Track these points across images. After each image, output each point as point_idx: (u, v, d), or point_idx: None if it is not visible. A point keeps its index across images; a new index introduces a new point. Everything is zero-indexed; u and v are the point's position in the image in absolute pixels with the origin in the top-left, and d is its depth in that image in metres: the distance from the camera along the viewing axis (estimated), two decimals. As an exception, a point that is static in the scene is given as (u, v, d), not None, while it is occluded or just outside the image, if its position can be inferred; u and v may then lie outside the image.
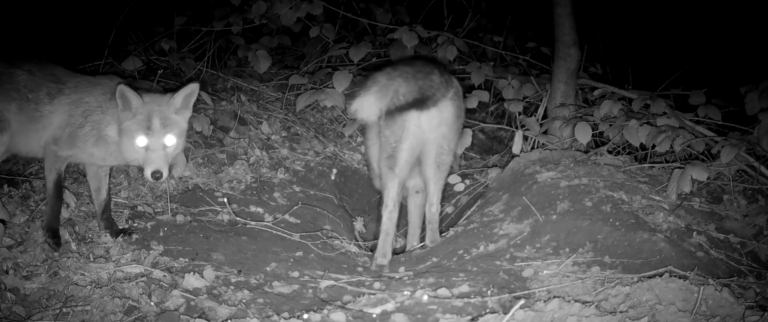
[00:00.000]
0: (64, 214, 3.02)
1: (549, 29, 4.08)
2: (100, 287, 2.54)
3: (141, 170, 2.89)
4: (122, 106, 2.77)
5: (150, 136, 2.77)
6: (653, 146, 3.49)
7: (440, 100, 2.96)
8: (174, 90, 2.93)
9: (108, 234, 3.03)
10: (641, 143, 3.55)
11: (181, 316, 2.40)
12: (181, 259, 2.88)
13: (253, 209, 3.56)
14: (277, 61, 5.21)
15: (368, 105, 2.87)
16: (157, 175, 2.79)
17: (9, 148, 3.01)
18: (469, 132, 3.78)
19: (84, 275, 2.62)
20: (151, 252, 2.88)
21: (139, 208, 3.30)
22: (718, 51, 5.75)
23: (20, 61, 3.00)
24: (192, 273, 2.69)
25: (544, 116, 4.23)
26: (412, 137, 3.01)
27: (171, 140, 2.82)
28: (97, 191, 3.13)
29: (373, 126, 3.25)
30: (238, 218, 3.36)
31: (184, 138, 2.92)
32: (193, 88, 2.88)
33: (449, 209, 4.14)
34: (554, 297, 2.34)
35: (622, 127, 3.62)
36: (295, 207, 3.62)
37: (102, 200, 3.12)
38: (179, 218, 3.28)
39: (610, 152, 3.75)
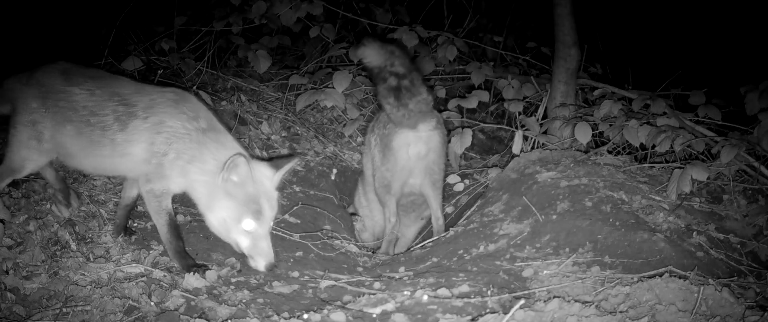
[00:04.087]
0: (64, 214, 3.02)
1: (549, 29, 4.08)
2: (100, 287, 2.54)
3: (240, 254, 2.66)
4: (228, 175, 2.51)
5: (260, 222, 2.55)
6: (653, 146, 3.49)
7: (425, 127, 3.36)
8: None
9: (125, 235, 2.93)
10: (641, 143, 3.55)
11: (181, 316, 2.40)
12: (181, 259, 2.88)
13: (253, 209, 3.56)
14: (277, 61, 5.21)
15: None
16: (270, 267, 2.60)
17: (68, 165, 2.89)
18: (469, 132, 3.78)
19: (84, 275, 2.62)
20: (151, 252, 2.88)
21: (139, 208, 3.30)
22: (718, 51, 5.75)
23: (79, 77, 2.77)
24: (192, 273, 2.69)
25: (544, 116, 4.23)
26: (405, 168, 3.44)
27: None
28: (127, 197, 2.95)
29: (367, 154, 3.70)
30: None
31: None
32: (296, 161, 2.71)
33: (449, 209, 4.14)
34: (554, 297, 2.34)
35: (622, 127, 3.62)
36: (295, 207, 3.62)
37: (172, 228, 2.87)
38: (179, 218, 3.28)
39: (610, 152, 3.75)
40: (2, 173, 2.88)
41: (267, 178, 2.64)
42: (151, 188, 2.69)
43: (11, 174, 2.88)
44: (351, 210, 4.13)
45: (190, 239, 3.07)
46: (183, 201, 3.43)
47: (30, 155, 2.80)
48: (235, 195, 2.53)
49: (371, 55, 3.31)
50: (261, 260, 2.60)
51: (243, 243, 2.61)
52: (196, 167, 2.61)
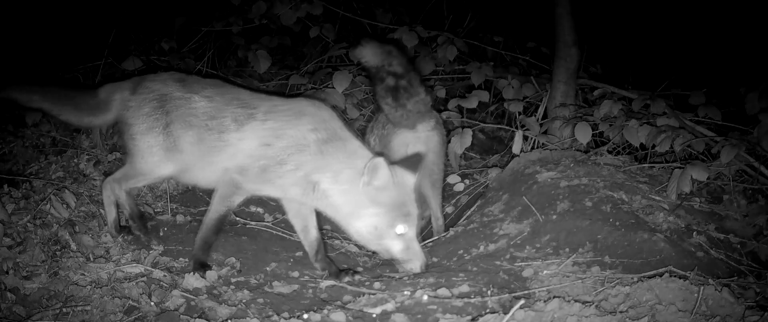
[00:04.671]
0: (64, 214, 3.02)
1: (549, 29, 4.09)
2: (100, 287, 2.54)
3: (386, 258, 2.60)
4: (368, 180, 2.45)
5: (410, 225, 2.48)
6: (653, 146, 3.49)
7: (424, 127, 3.35)
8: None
9: (329, 277, 2.78)
10: (641, 143, 3.55)
11: (181, 316, 2.40)
12: (181, 259, 2.88)
13: (253, 208, 3.56)
14: (277, 61, 5.20)
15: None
16: (425, 267, 2.54)
17: (183, 180, 2.90)
18: (469, 132, 3.78)
19: (84, 275, 2.62)
20: (151, 252, 2.88)
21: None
22: (718, 51, 5.75)
23: (197, 84, 2.80)
24: (192, 273, 2.69)
25: (544, 116, 4.23)
26: None
27: None
28: (304, 230, 2.88)
29: None
30: (238, 218, 3.36)
31: None
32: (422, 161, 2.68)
33: (449, 209, 4.14)
34: (554, 297, 2.34)
35: (622, 127, 3.62)
36: (295, 207, 3.61)
37: (312, 239, 2.90)
38: (179, 218, 3.28)
39: (610, 152, 3.75)
40: (128, 175, 2.88)
41: (405, 178, 2.57)
42: (239, 180, 2.65)
43: (137, 180, 2.91)
44: None
45: (190, 239, 3.06)
46: (183, 201, 3.43)
47: (159, 164, 2.80)
48: (382, 201, 2.48)
49: (369, 55, 3.32)
50: (417, 262, 2.55)
51: (395, 248, 2.54)
52: (327, 177, 2.55)
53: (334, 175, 2.54)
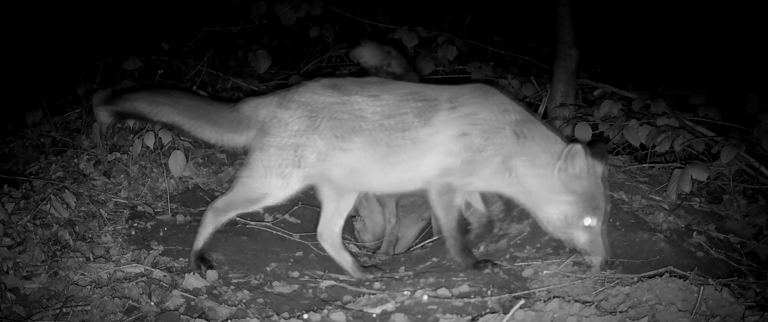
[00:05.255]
0: (64, 214, 3.02)
1: (549, 29, 4.08)
2: (100, 287, 2.54)
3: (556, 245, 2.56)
4: (565, 166, 2.38)
5: (597, 217, 2.40)
6: (653, 146, 3.48)
7: None
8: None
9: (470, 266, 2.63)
10: (641, 143, 3.55)
11: (181, 316, 2.40)
12: (181, 259, 2.88)
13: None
14: (277, 61, 5.20)
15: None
16: (605, 264, 2.44)
17: (347, 188, 2.69)
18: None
19: (84, 275, 2.62)
20: (151, 252, 2.88)
21: (139, 208, 3.30)
22: (718, 51, 5.75)
23: (354, 86, 2.60)
24: (192, 273, 2.69)
25: (544, 116, 4.22)
26: None
27: None
28: (474, 212, 2.77)
29: None
30: (237, 218, 3.36)
31: None
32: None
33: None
34: (554, 297, 2.34)
35: (622, 127, 3.61)
36: (295, 207, 3.61)
37: (481, 215, 2.79)
38: (179, 218, 3.28)
39: (610, 152, 3.75)
40: (232, 204, 2.68)
41: (597, 168, 2.46)
42: (448, 181, 2.52)
43: (245, 205, 2.68)
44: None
45: (190, 239, 3.06)
46: (183, 201, 3.43)
47: (278, 183, 2.59)
48: (575, 189, 2.40)
49: (368, 55, 3.31)
50: (598, 257, 2.45)
51: (581, 239, 2.46)
52: (523, 160, 2.46)
53: (531, 159, 2.46)
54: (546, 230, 2.59)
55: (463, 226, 2.62)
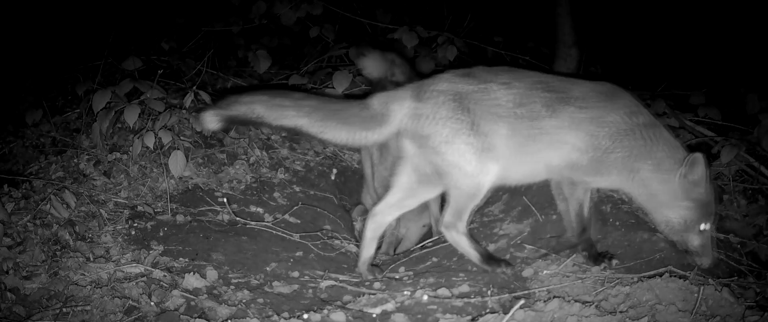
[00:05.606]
0: (64, 214, 3.02)
1: (549, 29, 4.09)
2: (100, 287, 2.54)
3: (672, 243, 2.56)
4: (685, 173, 2.42)
5: (710, 223, 2.48)
6: (653, 146, 3.48)
7: None
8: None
9: (588, 260, 2.63)
10: (641, 143, 3.54)
11: (181, 316, 2.40)
12: (181, 259, 2.88)
13: (253, 209, 3.56)
14: (277, 61, 5.20)
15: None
16: (711, 265, 2.50)
17: (498, 180, 2.58)
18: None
19: (84, 275, 2.62)
20: (151, 252, 2.88)
21: (139, 208, 3.30)
22: (718, 51, 5.75)
23: (486, 74, 2.52)
24: (192, 273, 2.69)
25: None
26: None
27: None
28: (579, 213, 2.71)
29: (365, 151, 3.58)
30: (238, 218, 3.36)
31: None
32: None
33: (449, 209, 4.14)
34: (554, 297, 2.34)
35: (622, 127, 3.61)
36: (295, 207, 3.62)
37: (586, 218, 2.75)
38: (179, 218, 3.28)
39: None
40: (459, 210, 2.62)
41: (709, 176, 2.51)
42: (569, 177, 2.55)
43: (469, 204, 2.61)
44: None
45: (190, 239, 3.07)
46: (183, 201, 3.43)
47: (482, 168, 2.49)
48: (694, 196, 2.44)
49: (371, 66, 3.24)
50: (707, 260, 2.49)
51: (695, 242, 2.50)
52: (648, 164, 2.47)
53: (656, 163, 2.47)
54: (661, 231, 2.61)
55: (583, 219, 2.66)
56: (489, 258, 2.68)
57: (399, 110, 2.53)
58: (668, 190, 2.47)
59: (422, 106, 2.49)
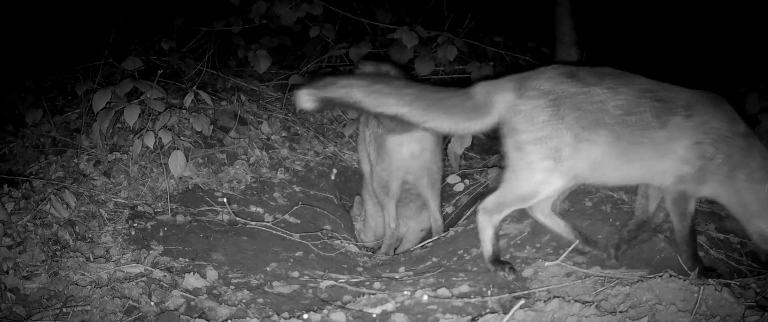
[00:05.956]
0: (64, 214, 3.02)
1: (549, 29, 4.09)
2: (100, 287, 2.54)
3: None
4: None
5: None
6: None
7: (418, 131, 3.24)
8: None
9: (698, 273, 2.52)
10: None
11: (181, 316, 2.40)
12: (181, 259, 2.88)
13: (253, 209, 3.57)
14: (277, 61, 5.21)
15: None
16: None
17: (584, 180, 2.60)
18: (469, 132, 3.77)
19: (84, 275, 2.62)
20: (151, 252, 2.88)
21: (139, 208, 3.30)
22: (718, 51, 5.75)
23: (591, 76, 2.47)
24: (192, 273, 2.69)
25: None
26: (400, 168, 3.42)
27: None
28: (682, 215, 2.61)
29: (362, 145, 3.65)
30: (238, 218, 3.36)
31: None
32: None
33: (449, 209, 4.14)
34: (554, 297, 2.34)
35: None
36: (295, 207, 3.62)
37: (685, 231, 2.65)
38: (179, 218, 3.28)
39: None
40: (504, 203, 2.59)
41: None
42: (683, 189, 2.50)
43: (516, 203, 2.60)
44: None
45: (190, 239, 3.07)
46: (183, 201, 3.43)
47: (543, 179, 2.48)
48: None
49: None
50: None
51: None
52: (744, 173, 2.46)
53: (750, 173, 2.45)
54: (753, 240, 2.61)
55: (695, 232, 2.62)
56: (496, 260, 2.68)
57: (501, 102, 2.51)
58: (760, 200, 2.46)
59: (522, 103, 2.47)
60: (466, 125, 2.57)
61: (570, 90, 2.44)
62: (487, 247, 2.67)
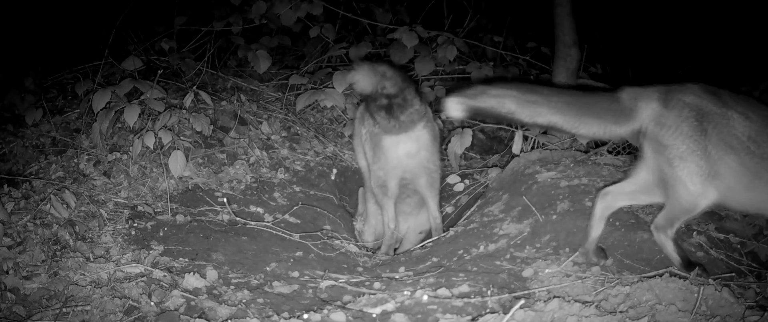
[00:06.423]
0: (64, 214, 3.02)
1: (549, 29, 4.08)
2: (100, 287, 2.54)
3: None
4: None
5: None
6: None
7: (414, 129, 3.30)
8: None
9: None
10: (642, 143, 3.54)
11: (181, 316, 2.40)
12: (181, 259, 2.88)
13: (253, 209, 3.57)
14: (277, 61, 5.21)
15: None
16: None
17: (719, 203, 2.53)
18: (469, 132, 3.78)
19: (84, 275, 2.62)
20: (151, 252, 2.88)
21: (139, 208, 3.30)
22: (718, 51, 5.75)
23: (731, 99, 2.45)
24: (192, 273, 2.69)
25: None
26: (397, 167, 3.41)
27: None
28: None
29: (358, 142, 3.65)
30: (238, 218, 3.36)
31: None
32: None
33: (449, 209, 4.14)
34: (554, 297, 2.34)
35: (622, 127, 3.61)
36: (295, 207, 3.62)
37: None
38: (179, 218, 3.28)
39: (610, 152, 3.75)
40: (675, 218, 2.54)
41: None
42: None
43: (684, 216, 2.54)
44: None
45: (190, 239, 3.07)
46: (183, 201, 3.43)
47: (705, 191, 2.42)
48: None
49: (361, 81, 3.23)
50: None
51: None
52: None
53: None
54: None
55: None
56: (688, 264, 2.62)
57: (645, 109, 2.51)
58: None
59: (667, 114, 2.46)
60: (612, 129, 2.55)
61: (711, 108, 2.43)
62: (674, 257, 2.62)
